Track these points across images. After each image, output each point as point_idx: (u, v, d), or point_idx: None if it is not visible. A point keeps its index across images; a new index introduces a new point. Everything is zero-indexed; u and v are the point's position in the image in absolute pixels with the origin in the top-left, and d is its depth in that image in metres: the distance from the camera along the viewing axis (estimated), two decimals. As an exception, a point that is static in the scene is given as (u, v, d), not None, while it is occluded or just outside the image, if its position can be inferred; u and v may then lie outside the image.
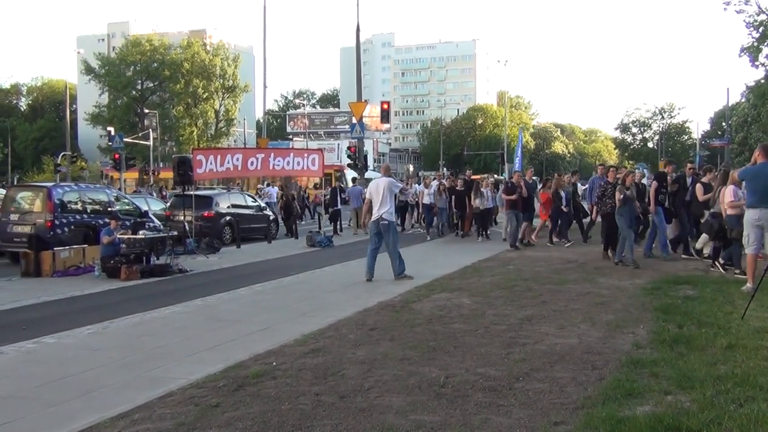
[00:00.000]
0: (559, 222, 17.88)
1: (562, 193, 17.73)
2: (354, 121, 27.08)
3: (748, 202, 9.66)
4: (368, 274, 11.87)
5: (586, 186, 21.45)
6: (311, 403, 5.11)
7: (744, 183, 10.01)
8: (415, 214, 24.74)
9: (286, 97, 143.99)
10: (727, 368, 5.58)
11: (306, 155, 21.59)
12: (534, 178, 22.01)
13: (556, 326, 7.53)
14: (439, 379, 5.59)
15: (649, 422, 4.32)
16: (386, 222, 11.84)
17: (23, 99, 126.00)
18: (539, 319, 7.98)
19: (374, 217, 11.86)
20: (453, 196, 20.64)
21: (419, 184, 23.92)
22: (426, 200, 21.23)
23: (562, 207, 17.66)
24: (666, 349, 6.31)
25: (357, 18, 28.33)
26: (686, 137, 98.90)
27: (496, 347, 6.66)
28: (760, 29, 28.54)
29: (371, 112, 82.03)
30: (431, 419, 4.66)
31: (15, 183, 57.10)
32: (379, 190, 11.87)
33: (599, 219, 15.14)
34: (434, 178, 24.25)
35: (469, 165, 77.79)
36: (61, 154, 50.72)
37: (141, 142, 64.09)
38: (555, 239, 17.64)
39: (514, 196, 17.13)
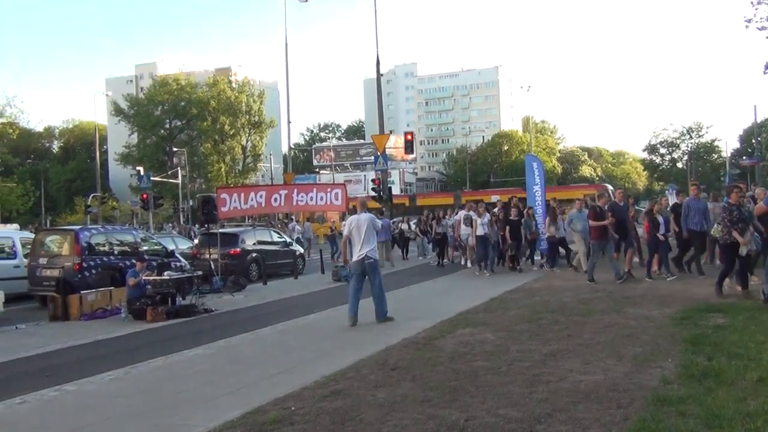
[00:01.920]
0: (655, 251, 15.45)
1: (660, 219, 15.24)
2: (377, 153, 27.18)
3: None
4: (351, 319, 11.08)
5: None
6: (328, 451, 5.01)
7: None
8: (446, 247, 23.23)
9: (312, 131, 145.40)
10: (758, 404, 5.40)
11: (329, 190, 21.62)
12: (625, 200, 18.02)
13: (581, 361, 7.36)
14: (459, 423, 5.46)
15: (674, 467, 4.17)
16: (371, 260, 11.20)
17: (55, 142, 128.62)
18: (564, 354, 7.81)
19: (358, 256, 11.19)
20: (507, 227, 19.06)
21: (454, 216, 22.56)
22: (480, 231, 18.66)
23: (659, 234, 15.08)
24: (694, 384, 6.12)
25: (377, 52, 28.57)
26: (716, 156, 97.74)
27: (519, 386, 6.52)
28: (785, 46, 28.23)
29: (396, 143, 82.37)
30: (449, 467, 4.54)
31: (48, 225, 58.04)
32: (360, 227, 11.20)
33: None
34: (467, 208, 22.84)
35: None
36: (92, 195, 51.50)
37: (170, 180, 64.94)
38: (656, 271, 15.38)
39: (605, 222, 14.89)
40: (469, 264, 20.76)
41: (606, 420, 5.33)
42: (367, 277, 11.28)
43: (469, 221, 19.72)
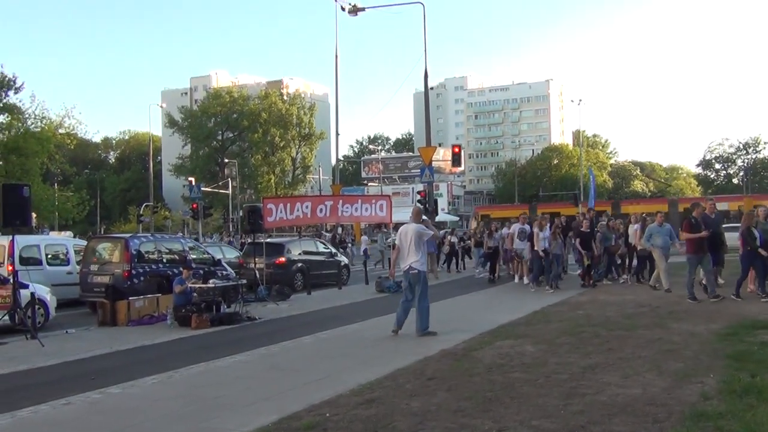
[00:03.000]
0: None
1: (756, 233, 13.47)
2: (424, 165, 27.23)
3: None
4: (395, 327, 11.11)
5: None
6: (358, 457, 5.04)
7: None
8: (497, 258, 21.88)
9: (361, 143, 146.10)
10: (799, 422, 5.25)
11: (374, 201, 21.70)
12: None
13: (620, 375, 7.26)
14: (491, 433, 5.45)
15: (706, 482, 4.09)
16: (416, 271, 10.98)
17: (112, 152, 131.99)
18: (603, 367, 7.71)
19: (404, 267, 11.10)
20: (578, 239, 18.14)
21: (507, 228, 21.30)
22: (541, 245, 17.59)
23: (759, 250, 13.29)
24: (735, 400, 5.99)
25: (425, 64, 28.66)
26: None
27: (555, 398, 6.46)
28: None
29: (444, 156, 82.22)
30: (477, 476, 4.54)
31: (101, 233, 59.51)
32: (407, 237, 11.02)
33: None
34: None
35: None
36: (144, 204, 52.61)
37: (221, 191, 66.00)
38: (751, 290, 13.90)
39: (702, 234, 13.54)
40: (525, 280, 19.50)
41: (641, 434, 5.26)
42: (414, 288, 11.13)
43: (524, 235, 19.10)
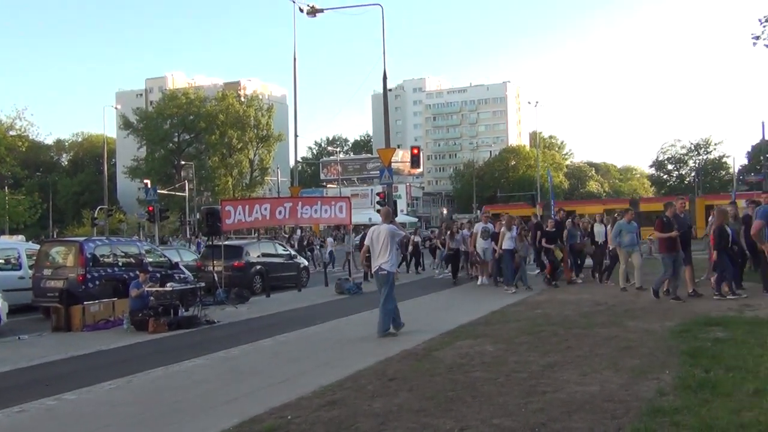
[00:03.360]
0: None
1: (729, 230, 13.48)
2: (384, 167, 27.24)
3: None
4: (396, 328, 11.11)
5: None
6: (320, 459, 5.02)
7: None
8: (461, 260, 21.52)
9: (320, 144, 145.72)
10: (752, 415, 5.38)
11: (333, 203, 21.70)
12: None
13: (578, 373, 7.36)
14: (453, 432, 5.48)
15: (663, 476, 4.17)
16: (385, 272, 10.97)
17: (64, 155, 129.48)
18: (562, 365, 7.81)
19: (374, 267, 11.19)
20: (543, 239, 18.17)
21: (467, 230, 21.35)
22: (507, 245, 17.39)
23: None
24: (690, 395, 6.11)
25: (384, 66, 28.69)
26: (724, 173, 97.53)
27: (515, 396, 6.52)
28: (791, 63, 28.20)
29: (403, 157, 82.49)
30: (440, 475, 4.55)
31: (54, 237, 58.35)
32: (379, 238, 11.02)
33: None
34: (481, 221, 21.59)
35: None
36: (99, 207, 51.76)
37: (177, 193, 65.21)
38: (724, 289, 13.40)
39: (672, 234, 13.52)
40: (485, 281, 19.39)
41: (599, 430, 5.33)
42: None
43: (487, 234, 18.99)
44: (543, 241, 18.17)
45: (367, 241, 11.53)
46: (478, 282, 19.86)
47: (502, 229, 17.64)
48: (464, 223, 22.91)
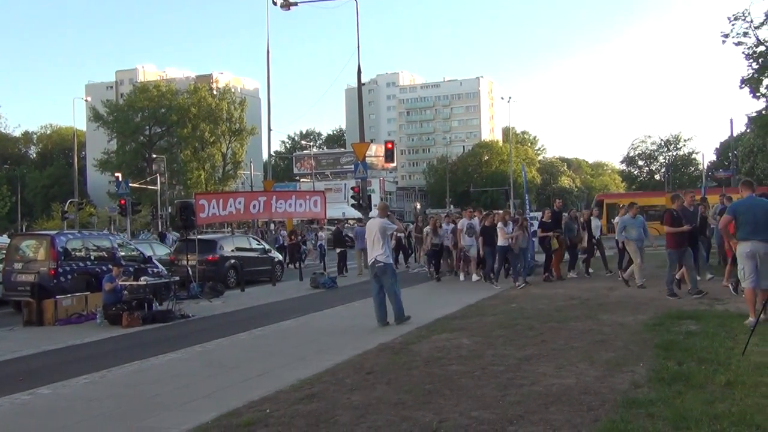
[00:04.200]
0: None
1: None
2: (357, 161, 27.25)
3: (739, 236, 9.60)
4: (380, 321, 11.33)
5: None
6: (301, 451, 5.03)
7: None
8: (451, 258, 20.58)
9: (293, 138, 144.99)
10: (725, 406, 5.49)
11: (308, 197, 21.69)
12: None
13: (554, 366, 7.44)
14: (432, 424, 5.51)
15: (640, 466, 4.24)
16: (381, 264, 11.35)
17: (33, 147, 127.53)
18: (538, 358, 7.89)
19: (369, 260, 11.53)
20: (540, 229, 17.97)
21: (447, 224, 20.50)
22: (502, 242, 16.76)
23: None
24: (664, 387, 6.21)
25: (358, 61, 28.72)
26: (693, 169, 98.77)
27: (492, 389, 6.58)
28: (760, 60, 28.59)
29: (377, 152, 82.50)
30: (421, 466, 4.58)
31: (24, 230, 57.52)
32: (371, 231, 11.47)
33: None
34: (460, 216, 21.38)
35: (476, 201, 78.06)
36: (69, 201, 51.08)
37: (149, 187, 64.53)
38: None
39: (684, 228, 12.94)
40: (474, 276, 18.76)
41: (576, 422, 5.40)
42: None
43: (471, 231, 18.59)
44: (539, 230, 17.95)
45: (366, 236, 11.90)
46: (461, 278, 19.35)
47: (499, 224, 17.07)
48: (446, 218, 21.97)
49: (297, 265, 24.65)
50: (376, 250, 11.34)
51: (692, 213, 13.89)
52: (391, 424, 5.62)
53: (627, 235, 15.19)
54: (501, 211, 18.71)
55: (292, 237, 27.05)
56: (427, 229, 20.36)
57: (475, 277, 18.67)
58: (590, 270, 18.53)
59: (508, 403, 6.04)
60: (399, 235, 25.69)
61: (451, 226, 20.09)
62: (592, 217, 19.03)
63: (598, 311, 11.50)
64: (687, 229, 12.94)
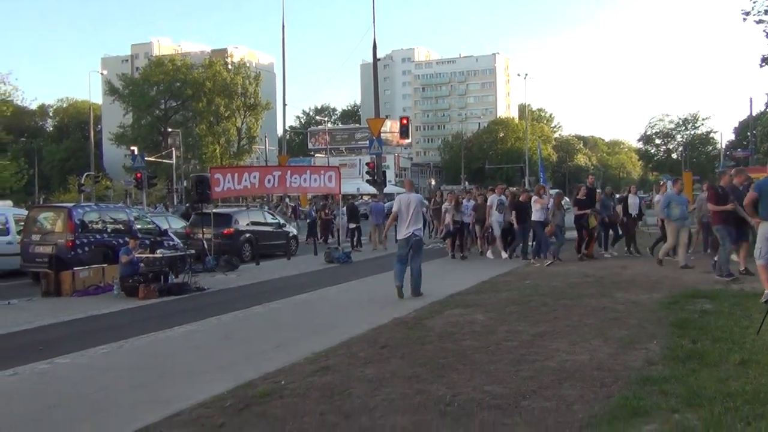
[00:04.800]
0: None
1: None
2: (372, 137, 27.21)
3: (762, 214, 9.62)
4: (399, 292, 11.58)
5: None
6: (315, 423, 5.10)
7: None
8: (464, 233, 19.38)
9: (308, 114, 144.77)
10: (739, 385, 5.49)
11: (323, 172, 21.66)
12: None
13: (568, 342, 7.46)
14: (446, 398, 5.56)
15: (653, 441, 4.26)
16: (418, 238, 11.80)
17: (49, 120, 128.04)
18: (551, 335, 7.91)
19: (406, 234, 11.73)
20: (576, 207, 17.28)
21: (468, 201, 19.47)
22: (537, 216, 16.45)
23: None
24: (678, 365, 6.22)
25: (374, 36, 28.58)
26: (711, 148, 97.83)
27: (506, 364, 6.61)
28: (780, 39, 28.25)
29: (392, 128, 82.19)
30: (434, 439, 4.63)
31: (41, 203, 57.99)
32: (410, 206, 11.72)
33: None
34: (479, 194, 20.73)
35: (491, 179, 77.78)
36: (85, 174, 51.36)
37: (164, 161, 64.80)
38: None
39: (728, 207, 12.03)
40: (503, 254, 18.13)
41: (590, 397, 5.43)
42: (411, 252, 11.75)
43: (501, 207, 18.05)
44: (575, 208, 17.28)
45: (395, 209, 12.03)
46: (489, 255, 18.75)
47: (534, 197, 16.67)
48: (467, 194, 20.94)
49: (327, 239, 24.82)
50: (414, 225, 11.71)
51: (740, 191, 12.26)
52: (405, 396, 5.67)
53: (669, 213, 14.57)
54: (538, 186, 18.52)
55: (326, 212, 27.03)
56: (446, 205, 19.79)
57: (504, 255, 18.15)
58: (635, 249, 17.77)
59: (521, 379, 6.07)
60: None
61: (472, 202, 19.41)
62: (629, 195, 18.38)
63: (612, 289, 11.49)
64: (730, 207, 11.96)
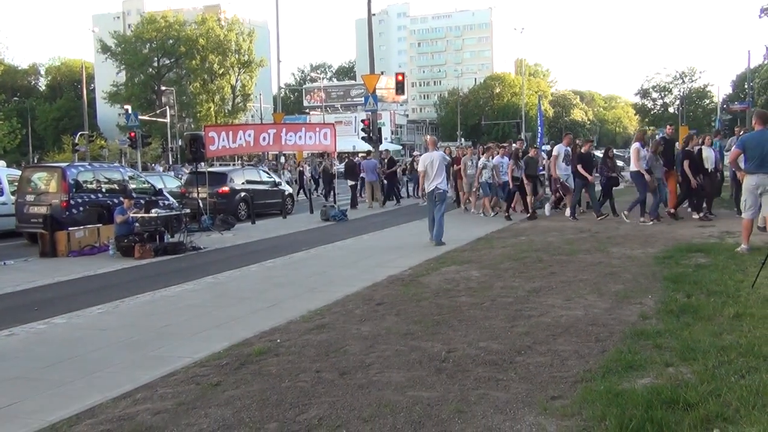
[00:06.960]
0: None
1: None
2: (368, 94, 26.93)
3: (746, 168, 9.69)
4: (436, 239, 12.83)
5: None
6: (311, 380, 5.11)
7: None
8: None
9: (303, 71, 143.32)
10: (732, 338, 5.51)
11: (318, 129, 21.57)
12: None
13: (563, 298, 7.48)
14: (441, 354, 5.57)
15: (646, 395, 4.27)
16: (441, 191, 12.92)
17: (42, 79, 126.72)
18: (547, 290, 7.93)
19: (431, 187, 12.89)
20: (580, 164, 15.99)
21: (502, 157, 18.08)
22: (643, 165, 14.54)
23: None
24: (672, 319, 6.24)
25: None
26: (707, 101, 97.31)
27: (501, 320, 6.63)
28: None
29: (387, 84, 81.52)
30: (429, 395, 4.65)
31: (35, 163, 57.71)
32: (434, 164, 12.79)
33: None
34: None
35: (488, 135, 77.50)
36: (79, 133, 50.99)
37: (159, 119, 64.28)
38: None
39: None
40: (567, 211, 16.64)
41: (584, 352, 5.45)
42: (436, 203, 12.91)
43: (568, 159, 16.58)
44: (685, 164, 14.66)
45: (421, 168, 13.24)
46: (547, 212, 17.55)
47: (635, 145, 15.04)
48: (501, 150, 19.00)
49: (332, 197, 24.75)
50: (438, 180, 12.83)
51: None
52: (400, 354, 5.69)
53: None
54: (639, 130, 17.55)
55: (330, 164, 27.07)
56: (483, 159, 17.94)
57: (568, 212, 16.55)
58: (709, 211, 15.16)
59: (516, 334, 6.09)
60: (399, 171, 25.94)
61: (505, 159, 17.83)
62: (703, 147, 15.49)
63: (608, 244, 11.50)
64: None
